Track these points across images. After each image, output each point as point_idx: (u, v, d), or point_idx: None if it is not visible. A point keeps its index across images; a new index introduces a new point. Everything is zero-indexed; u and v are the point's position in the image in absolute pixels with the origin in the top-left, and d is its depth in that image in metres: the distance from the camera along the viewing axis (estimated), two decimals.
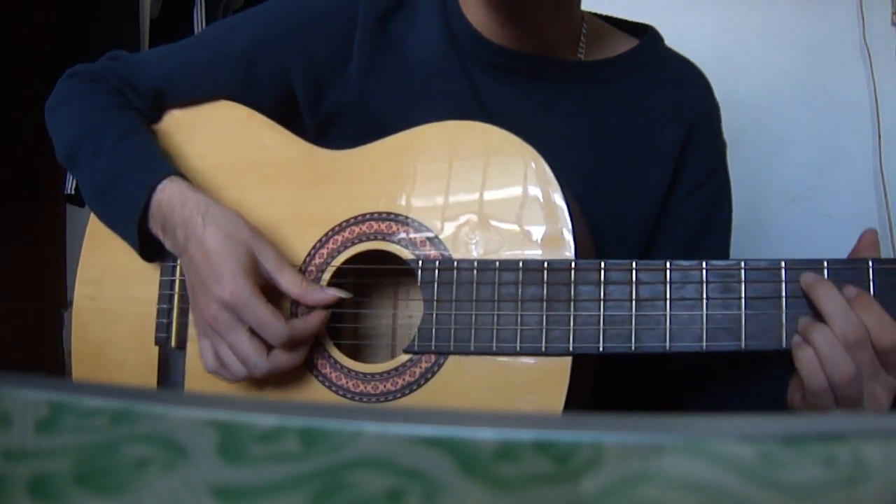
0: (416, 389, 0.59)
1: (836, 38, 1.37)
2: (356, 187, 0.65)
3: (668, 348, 0.54)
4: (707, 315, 0.54)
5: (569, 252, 0.57)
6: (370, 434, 0.17)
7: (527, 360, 0.57)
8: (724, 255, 0.76)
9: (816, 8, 1.38)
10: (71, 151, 0.72)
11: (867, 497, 0.16)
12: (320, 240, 0.65)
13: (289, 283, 0.61)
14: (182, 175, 0.67)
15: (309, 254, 0.66)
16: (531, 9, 0.68)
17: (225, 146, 0.72)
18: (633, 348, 0.55)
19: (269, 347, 0.60)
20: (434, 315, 0.59)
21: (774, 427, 0.17)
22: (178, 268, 0.70)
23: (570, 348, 0.56)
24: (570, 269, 0.56)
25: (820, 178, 1.37)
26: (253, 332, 0.60)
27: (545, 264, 0.57)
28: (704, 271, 0.54)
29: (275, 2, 0.75)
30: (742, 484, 0.16)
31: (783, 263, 0.53)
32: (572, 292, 0.56)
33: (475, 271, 0.59)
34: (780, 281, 0.53)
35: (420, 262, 0.60)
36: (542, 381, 0.56)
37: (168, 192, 0.65)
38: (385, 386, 0.61)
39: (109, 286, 0.74)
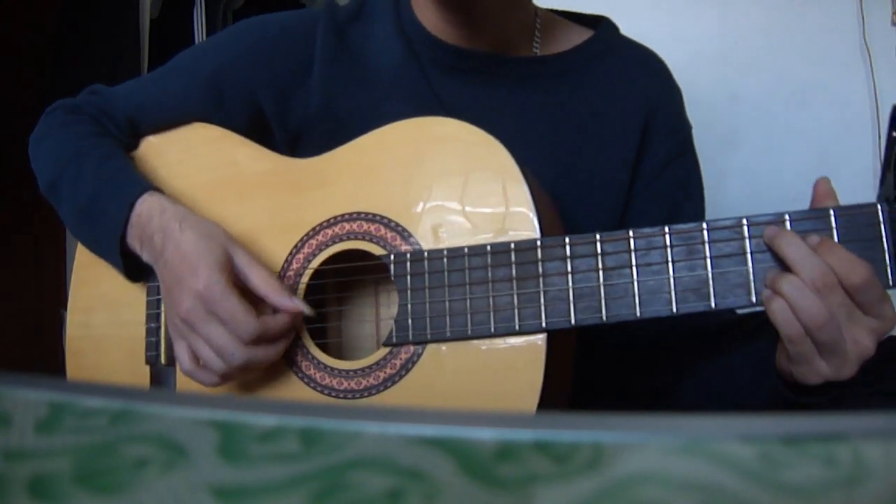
0: (397, 381, 0.60)
1: (836, 38, 1.37)
2: (326, 191, 0.67)
3: (639, 315, 0.55)
4: (674, 278, 0.54)
5: (535, 233, 0.58)
6: (370, 434, 0.17)
7: (502, 341, 0.58)
8: None
9: (816, 8, 1.38)
10: (53, 179, 0.74)
11: (867, 497, 0.16)
12: (296, 245, 0.67)
13: (258, 280, 0.62)
14: (160, 190, 0.69)
15: (286, 260, 0.67)
16: (479, 6, 0.69)
17: (200, 166, 0.75)
18: (604, 318, 0.55)
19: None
20: (409, 306, 0.60)
21: (774, 427, 0.17)
22: (162, 286, 0.71)
23: (543, 324, 0.56)
24: (537, 247, 0.57)
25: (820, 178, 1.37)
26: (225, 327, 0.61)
27: (512, 245, 0.58)
28: (668, 236, 0.55)
29: (238, 26, 0.78)
30: (742, 484, 0.16)
31: (745, 220, 0.54)
32: (540, 269, 0.57)
33: (445, 259, 0.60)
34: (744, 237, 0.54)
35: (392, 256, 0.62)
36: (518, 360, 0.57)
37: (147, 205, 0.67)
38: (367, 381, 0.62)
39: (100, 314, 0.76)
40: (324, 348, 0.65)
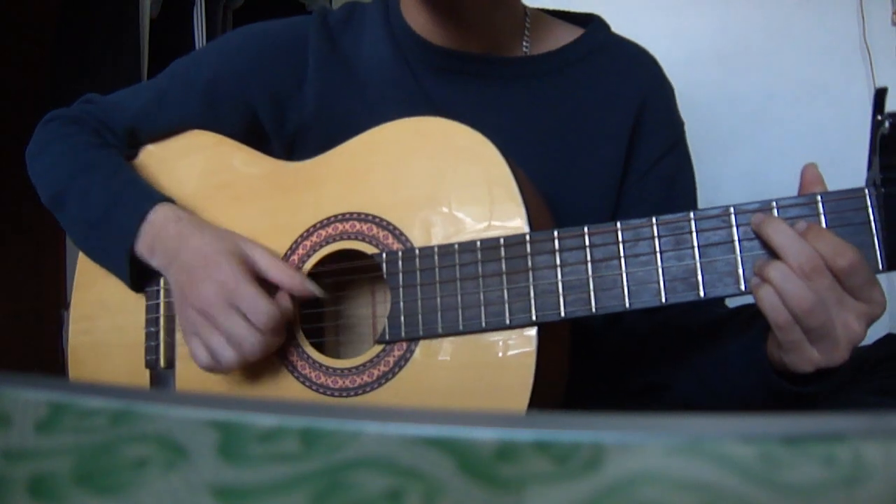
0: (391, 378, 0.61)
1: (836, 38, 1.37)
2: (318, 192, 0.67)
3: (628, 306, 0.55)
4: (662, 268, 0.54)
5: (524, 227, 0.58)
6: (370, 434, 0.17)
7: (494, 336, 0.58)
8: None
9: (816, 8, 1.38)
10: (59, 192, 0.75)
11: (867, 497, 0.16)
12: (290, 247, 0.67)
13: (274, 268, 0.64)
14: (172, 201, 0.71)
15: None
16: (467, 8, 0.70)
17: (197, 172, 0.76)
18: (593, 310, 0.55)
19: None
20: (401, 303, 0.61)
21: (774, 427, 0.17)
22: (161, 291, 0.72)
23: (534, 317, 0.57)
24: (525, 241, 0.58)
25: None
26: (245, 317, 0.62)
27: (501, 241, 0.58)
28: (655, 226, 0.55)
29: (232, 35, 0.79)
30: (742, 484, 0.16)
31: (732, 209, 0.54)
32: (529, 263, 0.57)
33: (436, 256, 0.60)
34: (731, 226, 0.54)
35: (384, 255, 0.62)
36: (510, 354, 0.57)
37: (162, 213, 0.68)
38: (362, 378, 0.62)
39: (100, 321, 0.77)
40: (320, 348, 0.65)
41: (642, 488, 0.16)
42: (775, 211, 0.53)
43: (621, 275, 0.55)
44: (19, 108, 1.63)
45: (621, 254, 0.55)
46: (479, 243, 0.59)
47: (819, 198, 0.53)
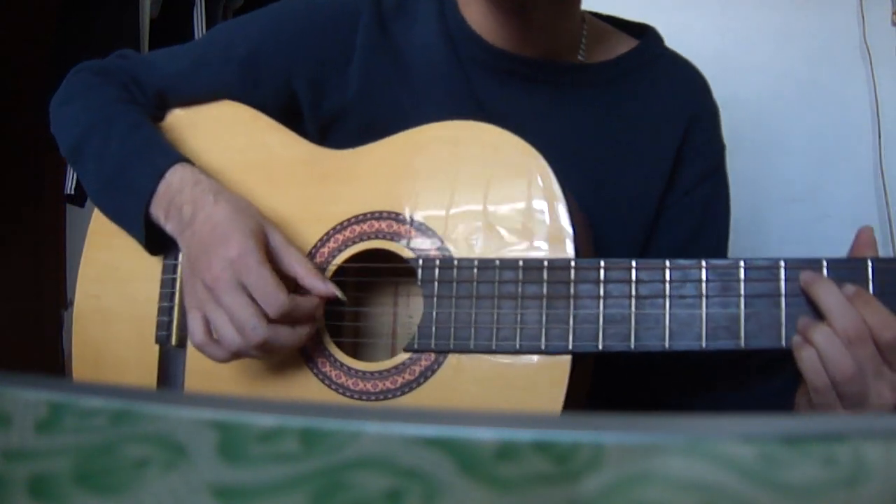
0: (415, 388, 0.59)
1: (836, 38, 1.37)
2: (357, 186, 0.65)
3: (667, 347, 0.54)
4: (706, 314, 0.54)
5: (569, 251, 0.57)
6: (370, 434, 0.17)
7: (526, 359, 0.57)
8: (722, 256, 0.76)
9: (816, 8, 1.38)
10: (77, 143, 0.72)
11: (867, 497, 0.16)
12: (321, 239, 0.65)
13: (293, 259, 0.61)
14: (191, 163, 0.68)
15: (310, 252, 0.66)
16: (536, 12, 0.68)
17: (228, 146, 0.73)
18: (632, 347, 0.54)
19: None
20: (434, 313, 0.59)
21: (774, 427, 0.17)
22: (179, 265, 0.69)
23: (570, 346, 0.56)
24: (570, 267, 0.56)
25: (820, 178, 1.37)
26: (252, 300, 0.59)
27: (545, 263, 0.57)
28: (704, 270, 0.54)
29: (279, 5, 0.75)
30: (742, 484, 0.16)
31: (782, 262, 0.53)
32: (572, 290, 0.56)
33: (475, 270, 0.59)
34: (779, 279, 0.53)
35: (420, 261, 0.61)
36: (541, 380, 0.56)
37: (180, 174, 0.65)
38: (384, 384, 0.61)
39: (111, 285, 0.74)
40: (338, 346, 0.64)
41: (642, 488, 0.16)
42: (825, 270, 0.53)
43: (664, 314, 0.54)
44: (19, 109, 1.63)
45: (667, 293, 0.55)
46: (521, 262, 0.58)
47: (870, 262, 0.52)
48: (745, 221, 1.26)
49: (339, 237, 0.65)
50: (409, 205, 0.63)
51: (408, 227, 0.62)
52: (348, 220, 0.65)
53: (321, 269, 0.65)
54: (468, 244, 0.60)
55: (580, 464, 0.17)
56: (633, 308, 0.55)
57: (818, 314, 0.51)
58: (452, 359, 0.59)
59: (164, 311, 0.71)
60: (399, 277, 0.69)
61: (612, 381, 0.70)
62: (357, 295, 0.71)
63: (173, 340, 0.70)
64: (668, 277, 0.55)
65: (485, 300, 0.58)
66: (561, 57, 0.73)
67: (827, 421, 0.17)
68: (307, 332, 0.61)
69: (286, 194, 0.68)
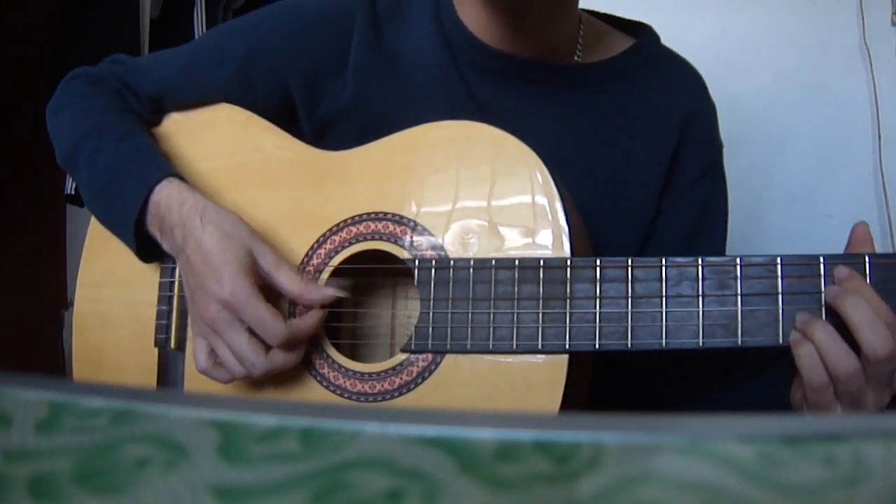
0: (413, 388, 0.60)
1: (836, 38, 1.37)
2: (353, 187, 0.65)
3: (664, 345, 0.54)
4: (703, 312, 0.54)
5: (565, 250, 0.57)
6: (370, 434, 0.17)
7: (523, 359, 0.57)
8: (720, 255, 0.76)
9: (816, 8, 1.38)
10: (71, 152, 0.73)
11: (867, 497, 0.16)
12: (318, 240, 0.66)
13: (286, 281, 0.61)
14: (180, 176, 0.67)
15: (307, 254, 0.66)
16: (533, 12, 0.68)
17: (224, 149, 0.73)
18: (629, 346, 0.54)
19: (268, 347, 0.60)
20: (431, 314, 0.59)
21: (774, 427, 0.17)
22: (177, 269, 0.70)
23: (567, 346, 0.56)
24: (566, 266, 0.56)
25: (820, 178, 1.37)
26: (252, 332, 0.60)
27: (541, 262, 0.57)
28: (700, 268, 0.54)
29: (273, 8, 0.75)
30: (742, 484, 0.16)
31: (779, 259, 0.53)
32: (568, 290, 0.56)
33: (471, 270, 0.59)
34: (777, 277, 0.53)
35: (417, 262, 0.61)
36: (538, 380, 0.56)
37: (166, 193, 0.65)
38: (382, 385, 0.61)
39: (110, 289, 0.75)
40: (337, 348, 0.64)
41: (642, 488, 0.16)
42: (821, 266, 0.53)
43: (661, 313, 0.54)
44: (19, 109, 1.63)
45: (664, 292, 0.54)
46: (517, 262, 0.57)
47: (867, 258, 0.52)
48: (744, 221, 1.26)
49: (336, 238, 0.65)
50: (405, 205, 0.63)
51: (404, 227, 0.62)
52: (345, 221, 0.65)
53: (318, 270, 0.65)
54: (465, 244, 0.60)
55: (580, 464, 0.17)
56: (629, 307, 0.55)
57: (816, 311, 0.52)
58: (450, 359, 0.59)
59: (163, 315, 0.71)
60: (397, 278, 0.69)
61: (612, 382, 0.70)
62: (355, 296, 0.71)
63: (172, 343, 0.70)
64: (664, 276, 0.55)
65: (481, 301, 0.58)
66: (557, 57, 0.73)
67: (827, 421, 0.17)
68: (303, 350, 0.62)
69: (281, 196, 0.68)
